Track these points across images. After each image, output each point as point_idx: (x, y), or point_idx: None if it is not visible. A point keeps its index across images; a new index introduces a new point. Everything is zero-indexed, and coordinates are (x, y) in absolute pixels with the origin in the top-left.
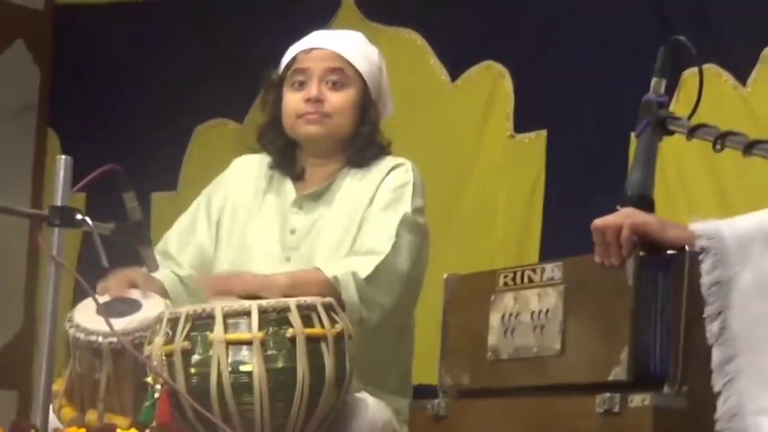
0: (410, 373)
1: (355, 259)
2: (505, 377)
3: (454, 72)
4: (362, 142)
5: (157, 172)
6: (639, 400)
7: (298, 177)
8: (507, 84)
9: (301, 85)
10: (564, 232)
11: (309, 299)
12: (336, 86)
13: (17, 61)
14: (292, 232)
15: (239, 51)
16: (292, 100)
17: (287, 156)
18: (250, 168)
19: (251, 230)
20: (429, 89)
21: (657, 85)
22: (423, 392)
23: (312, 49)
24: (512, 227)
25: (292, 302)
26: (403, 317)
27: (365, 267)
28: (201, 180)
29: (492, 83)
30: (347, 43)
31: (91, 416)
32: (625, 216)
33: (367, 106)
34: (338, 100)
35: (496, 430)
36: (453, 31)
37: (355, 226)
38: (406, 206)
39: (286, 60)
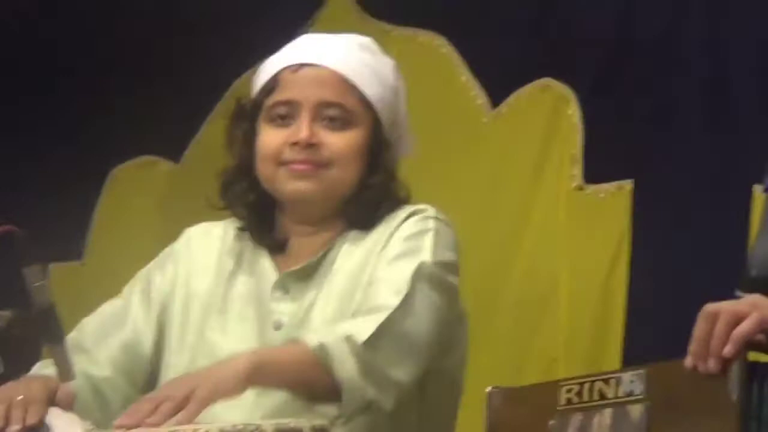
0: None
1: (349, 321)
2: None
3: (496, 94)
4: (370, 199)
5: (58, 235)
6: None
7: (278, 249)
8: (573, 112)
9: (285, 119)
10: (655, 325)
11: (293, 422)
12: (336, 124)
13: None
14: (277, 327)
15: (177, 58)
16: (272, 141)
17: (262, 218)
18: (209, 242)
19: (215, 329)
20: (459, 117)
21: None
22: None
23: (302, 65)
24: (581, 318)
25: (268, 427)
26: (435, 419)
27: (364, 329)
28: (119, 243)
29: (551, 111)
30: (351, 57)
31: None
32: (752, 305)
33: (378, 149)
34: (340, 144)
35: None
36: (495, 37)
37: (359, 294)
38: (425, 256)
39: (263, 78)
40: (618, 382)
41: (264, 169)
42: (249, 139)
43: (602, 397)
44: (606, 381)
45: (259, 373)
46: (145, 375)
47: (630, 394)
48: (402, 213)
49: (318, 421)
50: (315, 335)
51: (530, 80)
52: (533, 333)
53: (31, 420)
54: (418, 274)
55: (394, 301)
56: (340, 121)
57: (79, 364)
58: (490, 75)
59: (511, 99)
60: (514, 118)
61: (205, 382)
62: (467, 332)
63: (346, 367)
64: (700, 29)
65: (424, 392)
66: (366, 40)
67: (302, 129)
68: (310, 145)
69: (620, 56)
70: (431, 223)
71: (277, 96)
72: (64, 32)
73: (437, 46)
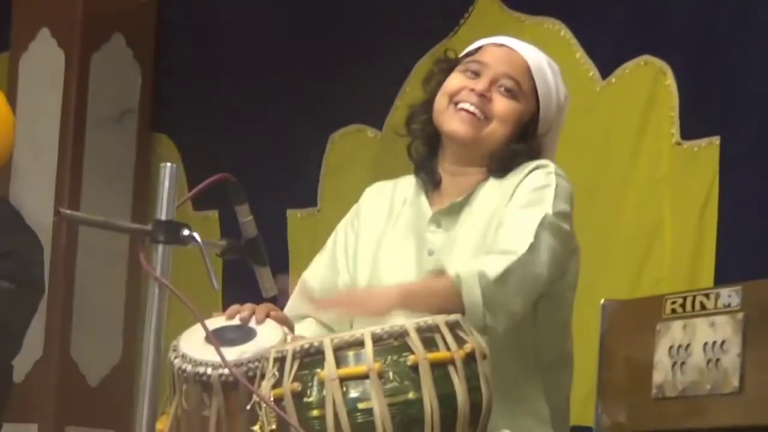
0: (567, 414)
1: (486, 258)
2: (672, 418)
3: (605, 68)
4: (512, 159)
5: (293, 186)
6: None
7: (434, 187)
8: (670, 82)
9: (473, 74)
10: (743, 253)
11: (429, 320)
12: (507, 93)
13: (116, 57)
14: (430, 253)
15: (374, 50)
16: (456, 82)
17: (429, 155)
18: (381, 195)
19: (385, 258)
20: (576, 88)
21: None
22: None
23: (503, 45)
24: (681, 249)
25: (410, 325)
26: (548, 353)
27: (495, 267)
28: (343, 193)
29: (652, 81)
30: (538, 60)
31: None
32: None
33: (530, 128)
34: (505, 106)
35: None
36: (603, 20)
37: (492, 231)
38: (547, 208)
39: (471, 47)
40: (717, 296)
41: (440, 101)
42: (441, 81)
43: (702, 308)
44: (706, 295)
45: (407, 300)
46: None
47: (727, 306)
48: (528, 166)
49: (451, 317)
50: (456, 266)
51: (633, 57)
52: (642, 261)
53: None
54: (542, 225)
55: (523, 247)
56: (512, 92)
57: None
58: (600, 52)
59: (618, 72)
60: (621, 88)
61: (363, 303)
62: (578, 262)
63: (473, 296)
64: None
65: (537, 311)
66: (556, 66)
67: (482, 83)
68: (483, 96)
69: (707, 30)
70: (552, 178)
71: (477, 57)
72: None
73: (557, 29)
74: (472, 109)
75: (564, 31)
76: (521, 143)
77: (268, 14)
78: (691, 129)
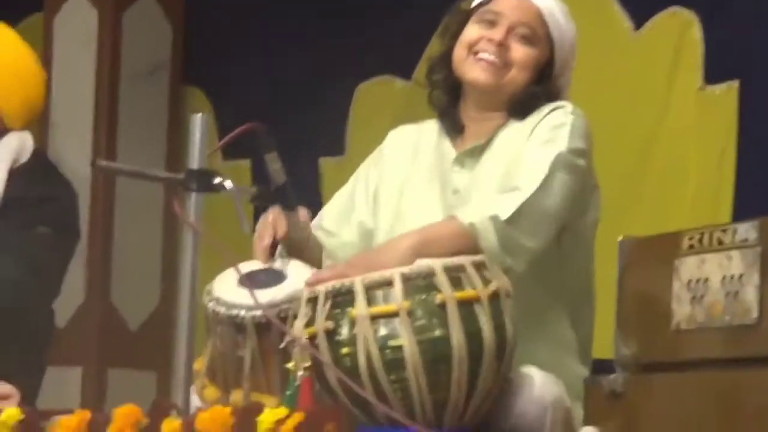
0: (590, 343)
1: (497, 198)
2: (691, 349)
3: (638, 19)
4: (531, 101)
5: (325, 136)
6: None
7: (457, 132)
8: (696, 32)
9: (490, 23)
10: (761, 191)
11: (456, 260)
12: (524, 40)
13: (146, 16)
14: (455, 192)
15: (399, 4)
16: (474, 32)
17: (451, 103)
18: (405, 138)
19: (409, 197)
20: (611, 38)
21: None
22: (598, 367)
23: None
24: (704, 188)
25: (437, 265)
26: (573, 286)
27: (507, 207)
28: (369, 143)
29: (679, 31)
30: (550, 5)
31: (237, 396)
32: None
33: (548, 70)
34: (523, 53)
35: (681, 408)
36: None
37: (513, 168)
38: (561, 145)
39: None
40: (734, 231)
41: (459, 52)
42: (458, 33)
43: (720, 243)
44: (724, 230)
45: (422, 248)
46: (371, 240)
47: (745, 241)
48: (547, 108)
49: (477, 257)
50: (467, 213)
51: (663, 8)
52: (670, 201)
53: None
54: (557, 161)
55: (535, 183)
56: (528, 39)
57: (328, 241)
58: (634, 4)
59: (649, 23)
60: (652, 38)
61: (373, 261)
62: (599, 200)
63: (490, 242)
64: None
65: (560, 246)
66: (563, 5)
67: (499, 32)
68: (501, 45)
69: None
70: (569, 117)
71: (491, 6)
72: None
73: None
74: (491, 58)
75: None
76: (539, 86)
77: None
78: (713, 75)
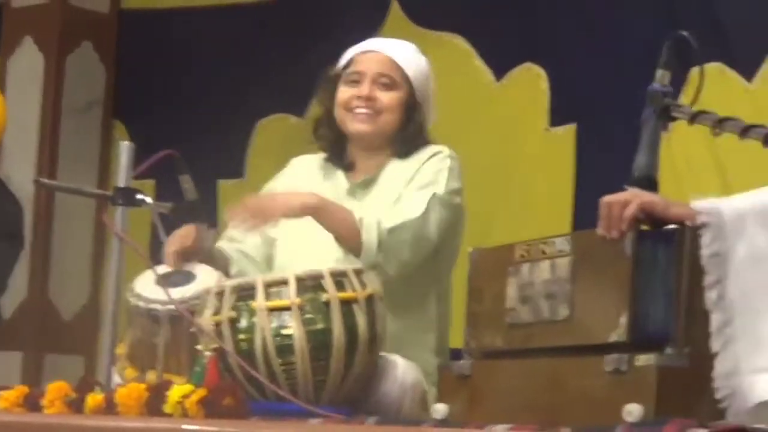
0: (447, 338)
1: (386, 214)
2: (523, 339)
3: (498, 73)
4: (407, 137)
5: (224, 162)
6: (644, 359)
7: (348, 168)
8: (543, 84)
9: (355, 83)
10: (594, 209)
11: (341, 267)
12: (386, 87)
13: (85, 60)
14: None
15: (297, 52)
16: (345, 94)
17: (339, 149)
18: (305, 165)
19: (308, 220)
20: (474, 90)
21: (662, 76)
22: (452, 355)
23: (368, 51)
24: (550, 208)
25: (325, 270)
26: (435, 285)
27: (391, 220)
28: (266, 169)
29: (531, 83)
30: (400, 51)
31: (151, 376)
32: (633, 195)
33: (412, 108)
34: (388, 99)
35: (516, 387)
36: (495, 35)
37: (392, 206)
38: (440, 188)
39: (344, 60)
40: (553, 243)
41: (339, 112)
42: (332, 95)
43: (543, 253)
44: (545, 242)
45: (319, 210)
46: (273, 247)
47: (561, 251)
48: (428, 151)
49: (357, 266)
50: (362, 214)
51: (518, 64)
52: (524, 220)
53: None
54: (433, 200)
55: (417, 212)
56: (389, 86)
57: (233, 246)
58: (493, 60)
59: (508, 76)
60: (510, 89)
61: (284, 203)
62: (464, 225)
63: (370, 237)
64: None
65: (435, 261)
66: (410, 44)
67: (364, 88)
68: (369, 99)
69: (571, 40)
70: (446, 162)
71: (352, 68)
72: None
73: (458, 43)
74: (365, 111)
75: (464, 44)
76: (410, 122)
77: (206, 26)
78: (556, 119)
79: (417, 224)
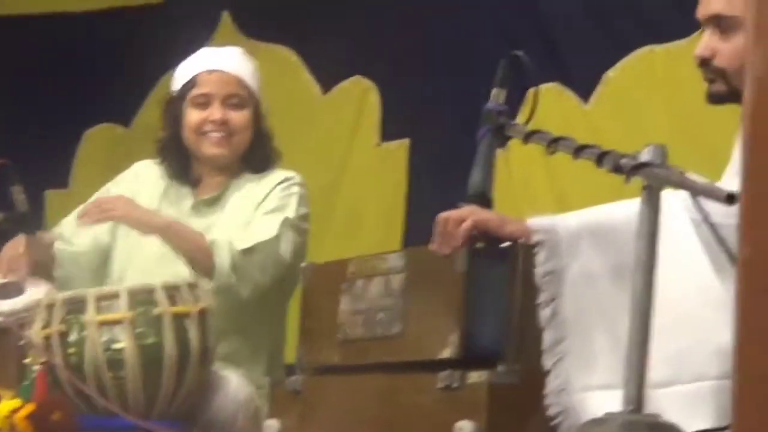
0: (281, 355)
1: (238, 235)
2: (354, 356)
3: (326, 86)
4: (256, 151)
5: (50, 172)
6: (476, 376)
7: (194, 185)
8: (374, 97)
9: (203, 105)
10: (425, 230)
11: (174, 281)
12: (236, 107)
13: None
14: None
15: (125, 62)
16: (196, 119)
17: (185, 167)
18: (148, 173)
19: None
20: (302, 102)
21: (497, 94)
22: (289, 372)
23: (213, 71)
24: (380, 222)
25: (157, 284)
26: (280, 305)
27: (245, 242)
28: (91, 179)
29: (361, 96)
30: (242, 65)
31: None
32: (469, 212)
33: (259, 120)
34: (240, 119)
35: (348, 403)
36: (324, 48)
37: (243, 228)
38: (290, 212)
39: (185, 76)
40: (387, 260)
41: (189, 136)
42: (177, 117)
43: (375, 270)
44: (379, 258)
45: (169, 230)
46: (105, 254)
47: (394, 268)
48: (278, 175)
49: (191, 279)
50: (213, 235)
51: (347, 77)
52: (351, 235)
53: (18, 268)
54: (284, 224)
55: (270, 234)
56: (239, 105)
57: (62, 245)
58: (322, 73)
59: (336, 89)
60: (338, 102)
61: (133, 211)
62: (307, 245)
63: (222, 259)
64: None
65: (281, 286)
66: (242, 51)
67: (217, 111)
68: (223, 123)
69: (413, 49)
70: (296, 188)
71: (198, 90)
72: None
73: (288, 55)
74: (218, 135)
75: (294, 57)
76: (259, 135)
77: (35, 34)
78: (389, 133)
79: (270, 246)
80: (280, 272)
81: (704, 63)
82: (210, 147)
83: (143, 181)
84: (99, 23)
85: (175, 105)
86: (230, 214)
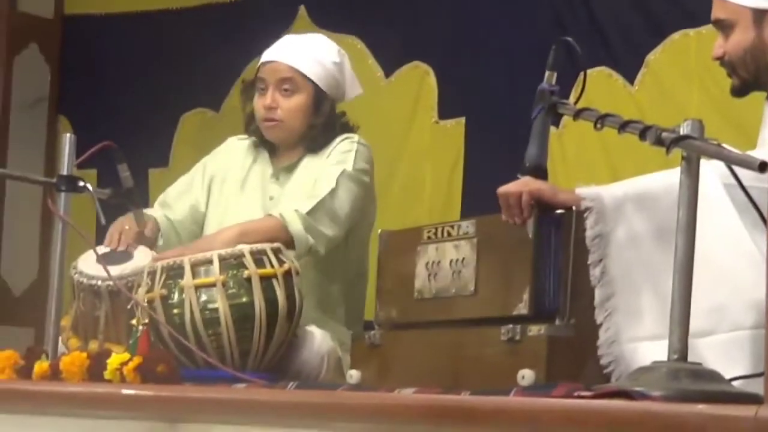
0: (362, 312)
1: (299, 201)
2: (428, 313)
3: (388, 71)
4: (316, 134)
5: (153, 152)
6: (536, 330)
7: (274, 154)
8: (431, 80)
9: (263, 90)
10: (480, 200)
11: (259, 246)
12: (288, 93)
13: (32, 61)
14: (270, 198)
15: (215, 53)
16: (258, 105)
17: (264, 140)
18: (238, 146)
19: (237, 197)
20: (367, 85)
21: (549, 76)
22: (368, 328)
23: (270, 62)
24: (438, 197)
25: (245, 249)
26: (351, 272)
27: (306, 205)
28: (187, 158)
29: (419, 80)
30: (300, 53)
31: (93, 345)
32: (524, 184)
33: (319, 103)
34: (289, 105)
35: (421, 355)
36: (386, 36)
37: (311, 186)
38: (348, 165)
39: (258, 68)
40: (459, 227)
41: (258, 121)
42: (251, 100)
43: (449, 235)
44: (452, 226)
45: (241, 238)
46: (201, 221)
47: (466, 234)
48: (339, 138)
49: (275, 244)
50: (277, 210)
51: (407, 62)
52: (411, 205)
53: (127, 244)
54: (342, 176)
55: (326, 190)
56: (290, 91)
57: (163, 212)
58: (384, 59)
59: (397, 73)
60: (399, 85)
61: (207, 243)
62: (375, 209)
63: (296, 227)
64: None
65: (347, 241)
66: (317, 37)
67: (269, 97)
68: (272, 108)
69: (455, 40)
70: (354, 145)
71: (259, 75)
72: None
73: (355, 43)
74: (270, 122)
75: (360, 45)
76: (318, 117)
77: (136, 30)
78: (446, 112)
79: (330, 200)
80: (343, 222)
81: (720, 61)
82: (266, 131)
83: (234, 154)
84: (193, 19)
85: (246, 92)
86: (300, 180)
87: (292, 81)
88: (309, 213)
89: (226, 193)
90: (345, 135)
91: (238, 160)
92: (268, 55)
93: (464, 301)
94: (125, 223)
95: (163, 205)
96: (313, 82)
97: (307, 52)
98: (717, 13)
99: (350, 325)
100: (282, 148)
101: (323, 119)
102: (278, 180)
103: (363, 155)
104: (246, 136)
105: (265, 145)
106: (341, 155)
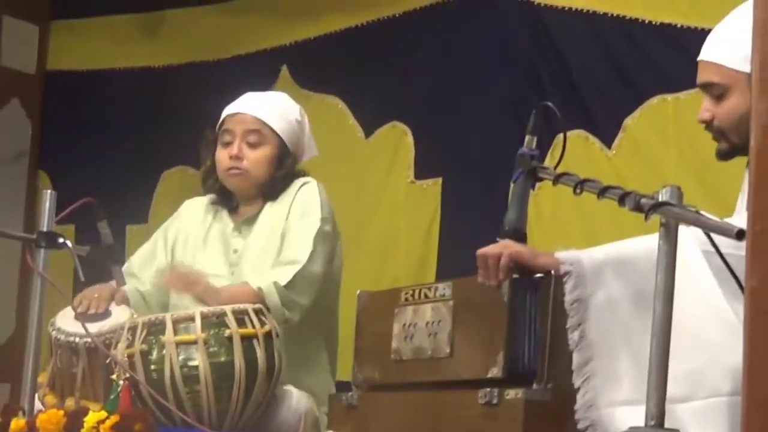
0: (334, 369)
1: (278, 269)
2: (405, 374)
3: (368, 130)
4: (276, 184)
5: (132, 209)
6: (513, 393)
7: (233, 210)
8: (409, 140)
9: (228, 144)
10: (455, 260)
11: (242, 305)
12: (253, 145)
13: (13, 116)
14: (235, 251)
15: (197, 111)
16: (222, 156)
17: (225, 195)
18: (196, 206)
19: (201, 253)
20: (348, 145)
21: (530, 141)
22: (342, 387)
23: (236, 113)
24: (412, 255)
25: (228, 308)
26: (326, 316)
27: (285, 276)
28: (167, 215)
29: (397, 139)
30: (266, 106)
31: (70, 402)
32: (503, 246)
33: (282, 156)
34: (255, 156)
35: (398, 417)
36: (366, 97)
37: (276, 239)
38: (316, 216)
39: (220, 120)
40: (436, 289)
41: (219, 172)
42: (213, 154)
43: (426, 297)
44: (429, 288)
45: (230, 299)
46: (167, 290)
47: (443, 296)
48: (296, 184)
49: (257, 305)
50: (256, 279)
51: (386, 122)
52: (385, 263)
53: (101, 308)
54: (317, 236)
55: (304, 256)
56: (255, 143)
57: (131, 283)
58: (364, 119)
59: (376, 133)
60: (378, 144)
61: (207, 293)
62: (341, 248)
63: (273, 300)
64: None
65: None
66: (280, 95)
67: (235, 147)
68: (238, 158)
69: (432, 102)
70: (315, 192)
71: (225, 127)
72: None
73: (336, 103)
74: (236, 170)
75: (341, 105)
76: (280, 169)
77: (119, 87)
78: (422, 172)
79: (306, 270)
80: (319, 285)
81: (707, 125)
82: (230, 179)
83: (193, 214)
84: (175, 76)
85: (209, 145)
86: (263, 231)
87: (258, 133)
88: (288, 285)
89: (191, 250)
90: (302, 180)
91: (198, 218)
92: (233, 107)
93: (440, 363)
94: (95, 292)
95: (129, 275)
96: (278, 135)
97: (272, 107)
98: (708, 76)
99: (333, 374)
100: (241, 202)
101: (284, 172)
102: (241, 233)
103: (324, 201)
104: (202, 196)
105: (224, 200)
106: (304, 206)
